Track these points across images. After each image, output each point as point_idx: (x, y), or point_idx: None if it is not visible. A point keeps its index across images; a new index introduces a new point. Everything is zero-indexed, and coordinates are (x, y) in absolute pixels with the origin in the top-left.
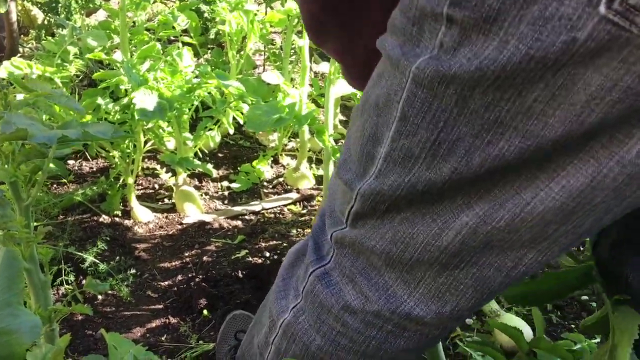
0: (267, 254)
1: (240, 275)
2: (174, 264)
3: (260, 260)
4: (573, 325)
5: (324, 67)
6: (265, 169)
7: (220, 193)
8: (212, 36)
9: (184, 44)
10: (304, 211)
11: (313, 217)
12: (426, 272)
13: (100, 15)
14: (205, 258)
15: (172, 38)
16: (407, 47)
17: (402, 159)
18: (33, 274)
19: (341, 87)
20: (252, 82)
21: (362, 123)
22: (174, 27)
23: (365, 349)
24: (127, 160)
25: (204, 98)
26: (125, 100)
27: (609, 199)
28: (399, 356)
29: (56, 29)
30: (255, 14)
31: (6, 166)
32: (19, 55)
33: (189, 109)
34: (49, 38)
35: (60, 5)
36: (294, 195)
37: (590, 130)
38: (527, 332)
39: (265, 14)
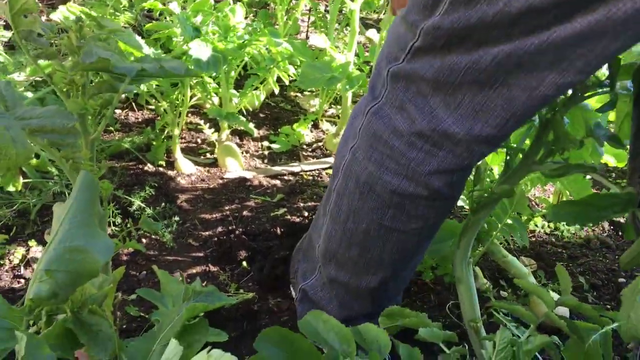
0: (306, 214)
1: (278, 232)
2: (214, 215)
3: (298, 219)
4: (609, 306)
5: (370, 34)
6: (305, 132)
7: (260, 152)
8: None
9: (234, 0)
10: None
11: None
12: (466, 93)
13: None
14: (245, 213)
15: None
16: None
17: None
18: None
19: None
20: (298, 45)
21: None
22: None
23: (407, 171)
24: (175, 112)
25: (253, 56)
26: (176, 52)
27: (617, 29)
28: (432, 181)
29: None
30: None
31: (77, 98)
32: (72, 1)
33: (238, 65)
34: None
35: None
36: (332, 160)
37: None
38: None
39: None
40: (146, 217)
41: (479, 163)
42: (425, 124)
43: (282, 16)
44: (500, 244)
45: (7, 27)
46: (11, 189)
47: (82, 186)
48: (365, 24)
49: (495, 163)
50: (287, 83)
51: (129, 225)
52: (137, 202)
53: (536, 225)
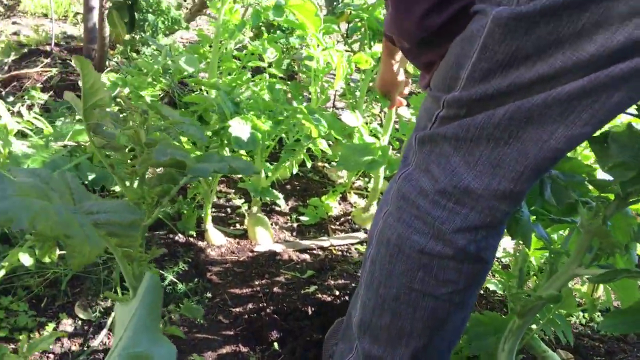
0: (337, 293)
1: (309, 311)
2: (244, 291)
3: (329, 298)
4: None
5: (401, 111)
6: (333, 205)
7: (289, 224)
8: (284, 66)
9: (270, 75)
10: None
11: None
12: (483, 150)
13: (177, 36)
14: (275, 289)
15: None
16: (489, 2)
17: (482, 76)
18: None
19: None
20: (327, 117)
21: (447, 58)
22: (261, 58)
23: (433, 230)
24: (207, 182)
25: (289, 130)
26: (216, 127)
27: (618, 84)
28: (457, 239)
29: (140, 46)
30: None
31: (136, 187)
32: (107, 69)
33: (273, 140)
34: (134, 54)
35: (147, 24)
36: (361, 235)
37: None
38: None
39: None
40: (188, 304)
41: (521, 265)
42: (448, 181)
43: (315, 91)
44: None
45: (44, 89)
46: (47, 260)
47: (148, 290)
48: None
49: (535, 255)
50: (317, 156)
51: (174, 309)
52: (169, 277)
53: (571, 316)
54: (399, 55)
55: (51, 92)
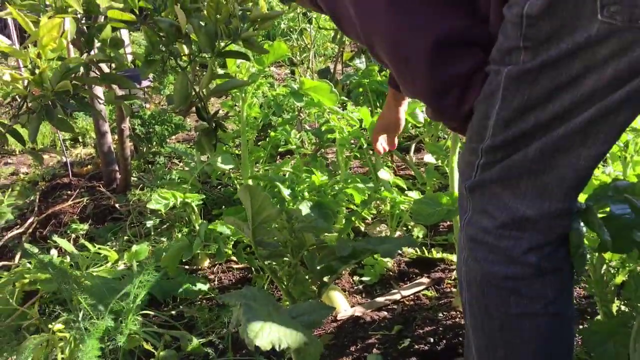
0: (431, 340)
1: None
2: (347, 359)
3: (427, 347)
4: None
5: (427, 158)
6: (386, 260)
7: (355, 287)
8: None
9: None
10: (439, 295)
11: (452, 300)
12: (527, 183)
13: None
14: (374, 351)
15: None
16: (500, 63)
17: (506, 123)
18: None
19: None
20: (356, 177)
21: (476, 114)
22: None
23: (505, 258)
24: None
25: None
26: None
27: (622, 105)
28: (529, 258)
29: (151, 157)
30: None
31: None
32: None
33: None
34: (149, 166)
35: (154, 134)
36: (425, 280)
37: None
38: None
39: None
40: None
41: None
42: (505, 216)
43: (342, 159)
44: None
45: (82, 220)
46: None
47: None
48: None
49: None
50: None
51: None
52: None
53: None
54: (404, 100)
55: (89, 221)
